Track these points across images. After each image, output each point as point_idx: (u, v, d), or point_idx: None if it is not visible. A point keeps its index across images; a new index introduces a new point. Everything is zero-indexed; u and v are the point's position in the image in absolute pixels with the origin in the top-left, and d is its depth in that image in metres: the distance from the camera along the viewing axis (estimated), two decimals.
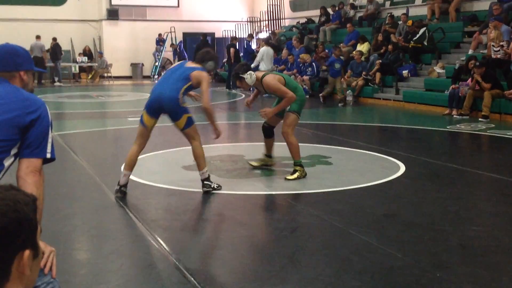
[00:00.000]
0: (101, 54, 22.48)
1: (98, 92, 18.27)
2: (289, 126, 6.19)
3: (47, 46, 20.50)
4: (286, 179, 6.08)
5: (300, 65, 16.56)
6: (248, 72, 6.14)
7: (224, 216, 5.02)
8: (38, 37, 20.05)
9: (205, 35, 20.49)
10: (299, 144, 6.30)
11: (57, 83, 20.57)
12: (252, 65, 16.16)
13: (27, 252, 1.14)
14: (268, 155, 6.69)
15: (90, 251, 4.20)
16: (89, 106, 14.39)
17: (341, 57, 14.77)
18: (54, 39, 20.52)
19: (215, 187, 5.63)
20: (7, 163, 2.26)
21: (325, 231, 4.49)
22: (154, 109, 5.57)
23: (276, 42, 19.83)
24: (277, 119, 6.48)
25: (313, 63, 16.19)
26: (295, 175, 6.10)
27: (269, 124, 6.54)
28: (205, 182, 5.60)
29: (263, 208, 5.46)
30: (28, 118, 2.22)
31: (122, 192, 5.44)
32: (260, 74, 6.30)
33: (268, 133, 6.59)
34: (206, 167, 5.64)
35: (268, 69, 15.47)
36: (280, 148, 6.79)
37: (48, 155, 2.29)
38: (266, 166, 6.65)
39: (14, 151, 2.24)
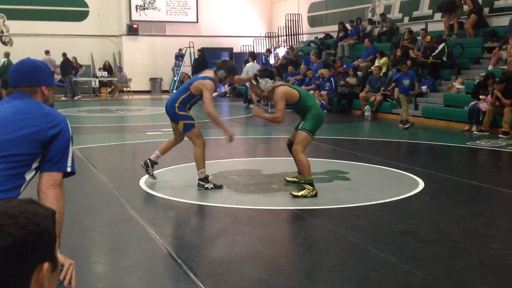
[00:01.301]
0: (120, 68, 22.72)
1: (117, 106, 18.45)
2: (299, 144, 6.14)
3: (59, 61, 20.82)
4: (291, 194, 6.03)
5: (319, 80, 16.60)
6: (265, 78, 6.18)
7: (241, 231, 5.01)
8: (47, 52, 20.32)
9: (201, 50, 20.56)
10: (315, 159, 6.28)
11: (63, 98, 20.85)
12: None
13: (46, 265, 1.16)
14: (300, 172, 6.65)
15: (108, 264, 4.21)
16: (108, 120, 14.53)
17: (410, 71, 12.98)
18: (64, 54, 20.72)
19: (209, 187, 6.25)
20: (28, 176, 2.28)
21: (342, 247, 4.46)
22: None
23: (294, 57, 19.90)
24: (294, 134, 6.46)
25: (331, 78, 16.21)
26: (302, 193, 5.99)
27: (291, 141, 6.52)
28: (200, 182, 6.32)
29: (280, 223, 5.44)
30: (50, 132, 2.25)
31: (146, 164, 6.64)
32: (280, 83, 6.35)
33: (291, 149, 6.56)
34: (203, 168, 6.31)
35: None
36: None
37: (69, 169, 2.31)
38: (299, 182, 6.54)
39: (35, 165, 2.27)
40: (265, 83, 6.17)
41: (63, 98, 20.91)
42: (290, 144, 6.50)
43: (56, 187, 2.26)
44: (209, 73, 6.49)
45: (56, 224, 2.23)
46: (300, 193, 5.99)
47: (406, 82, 12.31)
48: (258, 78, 6.23)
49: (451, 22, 15.05)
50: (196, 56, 20.53)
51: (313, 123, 6.18)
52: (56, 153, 2.27)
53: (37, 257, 1.14)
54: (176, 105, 6.35)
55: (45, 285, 1.16)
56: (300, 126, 6.24)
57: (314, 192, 6.01)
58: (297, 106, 6.24)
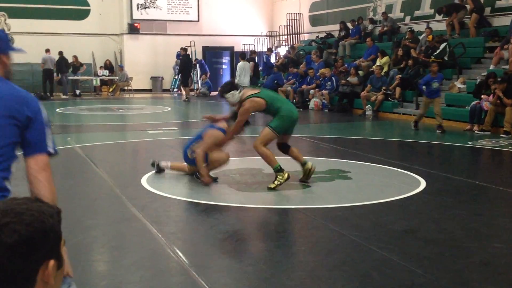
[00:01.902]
0: (121, 67, 22.73)
1: (118, 105, 18.45)
2: (259, 139, 6.35)
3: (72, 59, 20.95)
4: (268, 188, 6.20)
5: (320, 79, 16.61)
6: (230, 92, 6.38)
7: (243, 230, 5.02)
8: (47, 50, 20.55)
9: (185, 49, 20.50)
10: (317, 158, 6.28)
11: (64, 96, 20.88)
12: (236, 81, 17.80)
13: (51, 262, 1.16)
14: (302, 163, 6.73)
15: (111, 262, 4.22)
16: (109, 119, 14.53)
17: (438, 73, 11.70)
18: (60, 52, 20.83)
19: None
20: (14, 168, 2.23)
21: (344, 246, 4.47)
22: None
23: (295, 57, 19.90)
24: (284, 137, 6.57)
25: (333, 78, 16.22)
26: (275, 182, 6.19)
27: (281, 142, 6.64)
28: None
29: (282, 222, 5.44)
30: (25, 115, 2.17)
31: (153, 164, 7.04)
32: (246, 94, 6.43)
33: (284, 148, 6.68)
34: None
35: (244, 83, 17.32)
36: (290, 162, 6.78)
37: (51, 150, 2.27)
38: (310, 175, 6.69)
39: (16, 153, 2.21)
40: (232, 96, 6.38)
41: (63, 97, 20.94)
42: (280, 145, 6.64)
43: (46, 170, 2.23)
44: (223, 124, 6.70)
45: (53, 203, 2.20)
46: (274, 184, 6.18)
47: (436, 85, 11.19)
48: (223, 95, 6.45)
49: (451, 22, 15.03)
50: (181, 56, 20.51)
51: (279, 122, 6.34)
52: (36, 136, 2.22)
53: (42, 254, 1.15)
54: (188, 153, 6.63)
55: (50, 282, 1.17)
56: (269, 122, 6.45)
57: (286, 175, 6.21)
58: (266, 110, 6.45)
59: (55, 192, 2.26)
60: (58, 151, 2.34)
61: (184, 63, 19.83)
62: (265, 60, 20.21)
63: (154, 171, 7.00)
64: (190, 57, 20.06)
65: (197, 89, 22.72)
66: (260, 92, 6.53)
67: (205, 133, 6.66)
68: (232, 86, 6.51)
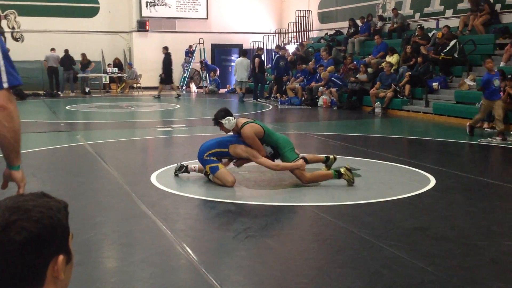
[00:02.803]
0: (130, 65, 22.78)
1: (127, 102, 18.51)
2: (302, 177, 6.32)
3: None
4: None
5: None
6: (226, 118, 6.41)
7: (252, 227, 5.02)
8: (53, 49, 20.66)
9: (167, 48, 20.47)
10: (326, 155, 6.27)
11: (71, 93, 20.95)
12: (235, 77, 19.06)
13: (61, 257, 1.17)
14: (324, 161, 6.93)
15: (121, 259, 4.24)
16: (119, 116, 14.58)
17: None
18: (66, 51, 20.87)
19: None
20: None
21: (354, 243, 4.46)
22: None
23: (304, 54, 19.87)
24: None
25: (333, 78, 16.27)
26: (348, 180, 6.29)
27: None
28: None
29: (291, 220, 5.44)
30: None
31: (180, 168, 6.82)
32: (241, 122, 6.43)
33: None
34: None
35: (242, 78, 18.40)
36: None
37: (5, 85, 2.08)
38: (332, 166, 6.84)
39: None
40: (229, 122, 6.42)
41: (72, 94, 21.01)
42: None
43: (3, 108, 2.07)
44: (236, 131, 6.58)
45: (15, 141, 2.15)
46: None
47: (497, 82, 10.00)
48: (220, 121, 6.43)
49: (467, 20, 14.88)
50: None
51: (289, 153, 6.38)
52: None
53: (52, 250, 1.16)
54: (205, 156, 6.39)
55: (60, 277, 1.18)
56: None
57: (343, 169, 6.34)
58: (264, 141, 6.43)
59: (18, 129, 2.11)
60: (20, 81, 2.15)
61: (166, 61, 20.05)
62: (273, 57, 20.16)
63: (177, 173, 6.78)
64: (171, 56, 20.25)
65: (205, 87, 22.75)
66: (256, 121, 6.60)
67: (233, 144, 6.44)
68: (227, 112, 6.49)
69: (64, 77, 20.95)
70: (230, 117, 6.42)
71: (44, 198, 1.21)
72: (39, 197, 1.20)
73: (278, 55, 18.37)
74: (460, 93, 13.05)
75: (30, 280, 1.14)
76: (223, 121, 6.41)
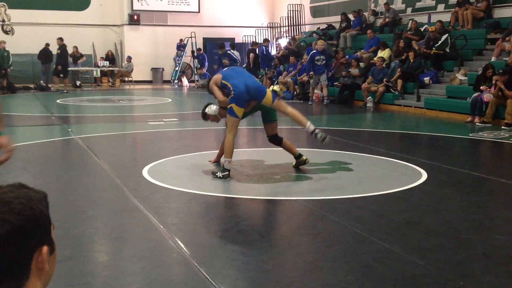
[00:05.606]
0: (129, 58, 22.59)
1: (119, 96, 18.42)
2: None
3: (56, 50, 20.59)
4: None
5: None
6: (207, 107, 6.80)
7: (244, 221, 5.01)
8: (47, 45, 20.26)
9: (61, 39, 20.16)
10: (318, 149, 6.27)
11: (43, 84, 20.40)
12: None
13: (45, 248, 1.15)
14: (296, 156, 6.79)
15: (112, 253, 4.22)
16: (110, 110, 14.52)
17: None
18: (47, 44, 20.29)
19: (219, 176, 6.25)
20: None
21: (346, 237, 4.46)
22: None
23: (296, 48, 19.84)
24: (270, 127, 6.78)
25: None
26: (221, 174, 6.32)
27: (270, 135, 6.80)
28: (221, 171, 6.32)
29: (283, 214, 5.44)
30: None
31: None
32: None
33: (276, 141, 6.80)
34: (228, 158, 6.27)
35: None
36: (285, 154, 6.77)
37: None
38: (304, 166, 6.81)
39: None
40: (210, 109, 6.77)
41: (57, 87, 20.80)
42: (271, 138, 6.85)
43: None
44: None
45: None
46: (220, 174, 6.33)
47: None
48: (204, 112, 6.84)
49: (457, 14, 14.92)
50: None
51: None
52: None
53: (35, 241, 1.14)
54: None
55: (45, 268, 1.16)
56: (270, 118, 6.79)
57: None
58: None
59: None
60: None
61: (62, 55, 19.87)
62: (264, 52, 20.06)
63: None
64: (66, 48, 20.03)
65: (197, 81, 22.70)
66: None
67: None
68: (206, 104, 6.90)
69: (42, 70, 20.29)
70: (211, 104, 6.83)
71: (23, 189, 1.18)
72: (18, 188, 1.17)
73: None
74: (451, 87, 13.09)
75: (15, 273, 1.12)
76: (206, 110, 6.80)
